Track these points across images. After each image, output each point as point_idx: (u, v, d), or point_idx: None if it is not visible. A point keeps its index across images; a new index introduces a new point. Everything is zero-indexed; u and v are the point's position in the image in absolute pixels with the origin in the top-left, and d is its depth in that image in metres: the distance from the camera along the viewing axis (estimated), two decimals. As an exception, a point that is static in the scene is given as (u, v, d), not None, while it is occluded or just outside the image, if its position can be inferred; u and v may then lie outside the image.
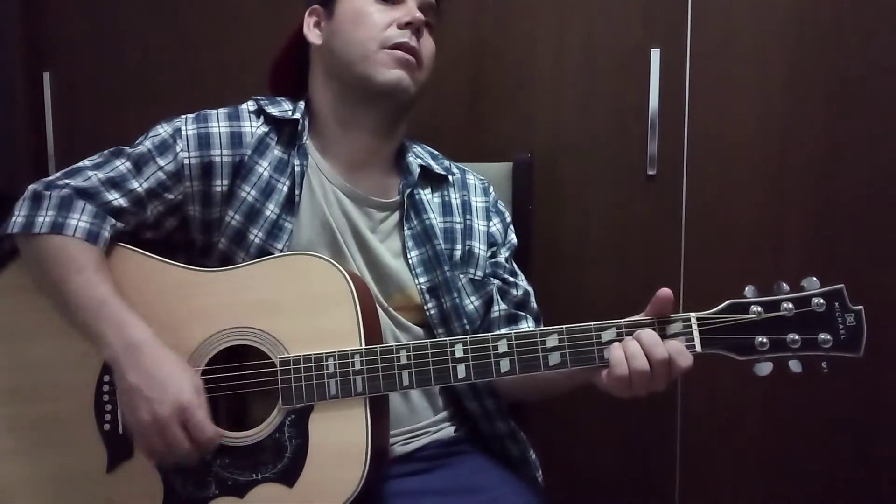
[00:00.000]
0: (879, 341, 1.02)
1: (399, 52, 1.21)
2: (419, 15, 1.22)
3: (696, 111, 1.77)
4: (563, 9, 1.80)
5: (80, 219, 1.13)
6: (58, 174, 1.19)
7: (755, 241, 1.77)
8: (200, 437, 1.03)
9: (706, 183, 1.78)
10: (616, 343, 1.04)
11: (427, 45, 1.27)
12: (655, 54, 1.76)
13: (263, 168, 1.22)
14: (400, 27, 1.21)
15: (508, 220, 1.39)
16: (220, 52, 1.90)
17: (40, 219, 1.13)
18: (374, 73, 1.22)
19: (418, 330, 1.25)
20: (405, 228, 1.26)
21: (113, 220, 1.16)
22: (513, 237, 1.38)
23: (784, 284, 1.05)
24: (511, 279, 1.33)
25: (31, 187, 1.17)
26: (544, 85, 1.83)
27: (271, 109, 1.25)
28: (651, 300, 1.06)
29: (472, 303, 1.27)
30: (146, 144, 1.21)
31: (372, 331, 1.11)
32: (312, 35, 1.29)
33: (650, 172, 1.79)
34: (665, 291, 1.05)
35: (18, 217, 1.14)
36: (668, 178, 1.79)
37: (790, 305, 1.03)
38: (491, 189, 1.40)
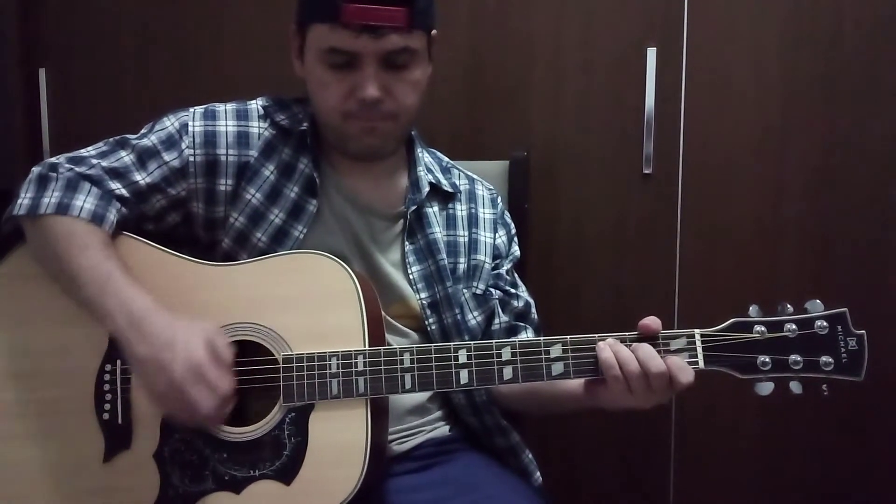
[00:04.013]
0: (878, 343, 1.03)
1: (361, 123, 1.17)
2: (369, 93, 1.13)
3: (693, 110, 1.79)
4: (559, 7, 1.81)
5: (85, 200, 1.12)
6: (61, 158, 1.18)
7: (751, 239, 1.79)
8: (217, 393, 1.01)
9: (702, 181, 1.80)
10: (602, 344, 1.05)
11: (402, 90, 1.17)
12: (652, 53, 1.77)
13: (270, 171, 1.21)
14: (358, 100, 1.15)
15: (513, 231, 1.39)
16: (216, 49, 1.90)
17: (46, 200, 1.12)
18: (344, 142, 1.21)
19: (415, 336, 1.25)
20: (407, 244, 1.25)
21: (118, 204, 1.15)
22: (516, 249, 1.38)
23: (788, 305, 1.05)
24: (512, 291, 1.33)
25: (35, 170, 1.16)
26: (541, 83, 1.83)
27: (279, 117, 1.24)
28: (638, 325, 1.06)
29: (474, 318, 1.27)
30: (152, 139, 1.20)
31: (376, 332, 1.10)
32: (296, 63, 1.23)
33: (646, 171, 1.81)
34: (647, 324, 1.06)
35: (24, 199, 1.13)
36: (664, 177, 1.81)
37: (793, 327, 1.04)
38: (499, 200, 1.39)
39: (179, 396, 1.01)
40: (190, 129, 1.20)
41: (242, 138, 1.21)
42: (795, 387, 1.04)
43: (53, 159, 1.18)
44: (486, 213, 1.35)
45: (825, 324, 1.03)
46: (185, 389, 1.00)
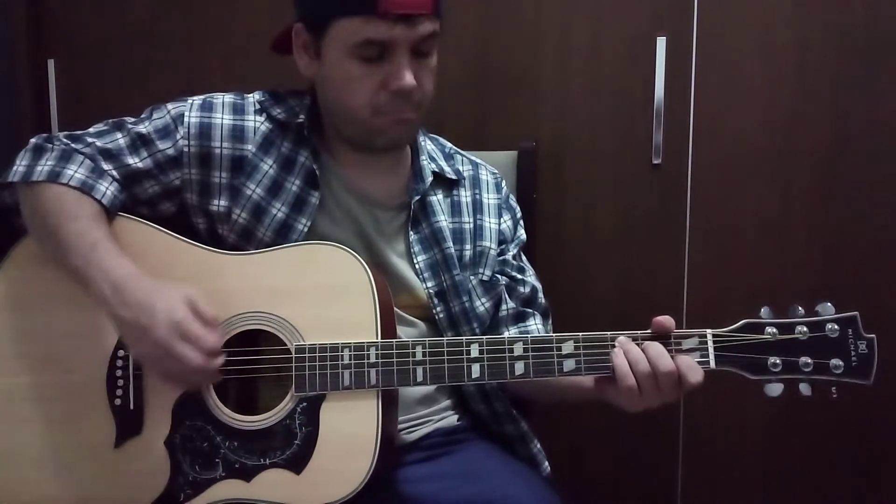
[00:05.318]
0: (883, 342, 1.03)
1: (392, 116, 1.16)
2: (408, 81, 1.12)
3: (702, 100, 1.78)
4: (568, -4, 1.80)
5: (76, 170, 1.14)
6: (60, 135, 1.20)
7: (759, 230, 1.79)
8: (203, 347, 1.02)
9: (711, 172, 1.79)
10: (617, 350, 1.05)
11: (426, 78, 1.18)
12: (661, 42, 1.76)
13: (269, 165, 1.21)
14: (391, 92, 1.14)
15: (519, 215, 1.39)
16: (224, 39, 1.89)
17: (39, 168, 1.14)
18: (370, 137, 1.19)
19: (423, 325, 1.25)
20: (412, 233, 1.25)
21: (111, 179, 1.16)
22: (522, 233, 1.38)
23: (799, 308, 1.06)
24: (518, 276, 1.34)
25: (33, 140, 1.18)
26: (549, 73, 1.82)
27: (275, 111, 1.23)
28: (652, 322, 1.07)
29: (482, 304, 1.28)
30: (148, 126, 1.20)
31: (388, 324, 1.11)
32: (302, 62, 1.22)
33: (655, 161, 1.80)
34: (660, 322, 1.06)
35: (19, 167, 1.15)
36: (673, 168, 1.80)
37: (805, 329, 1.04)
38: (503, 183, 1.39)
39: (166, 355, 1.02)
40: (186, 119, 1.20)
41: (237, 132, 1.21)
42: (805, 388, 1.04)
43: (51, 135, 1.20)
44: (490, 199, 1.34)
45: (836, 327, 1.04)
46: (169, 347, 1.01)
